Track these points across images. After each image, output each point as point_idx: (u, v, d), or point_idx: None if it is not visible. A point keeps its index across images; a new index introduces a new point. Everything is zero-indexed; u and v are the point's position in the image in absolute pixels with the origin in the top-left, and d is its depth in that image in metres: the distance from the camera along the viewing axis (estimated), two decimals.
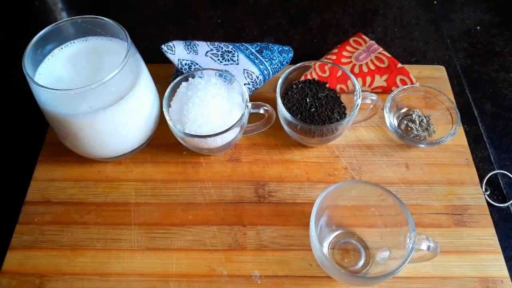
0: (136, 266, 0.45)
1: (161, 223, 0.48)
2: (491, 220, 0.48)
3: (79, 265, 0.45)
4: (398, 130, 0.54)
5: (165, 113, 0.48)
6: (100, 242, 0.47)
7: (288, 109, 0.51)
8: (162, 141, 0.53)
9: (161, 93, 0.51)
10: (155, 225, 0.48)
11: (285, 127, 0.52)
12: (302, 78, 0.56)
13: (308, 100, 0.52)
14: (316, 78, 0.55)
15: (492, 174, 0.53)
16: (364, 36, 0.62)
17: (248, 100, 0.49)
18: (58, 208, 0.49)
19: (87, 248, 0.46)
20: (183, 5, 0.74)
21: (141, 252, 0.46)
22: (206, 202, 0.50)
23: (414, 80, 0.57)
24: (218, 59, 0.55)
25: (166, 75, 0.57)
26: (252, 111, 0.50)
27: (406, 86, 0.56)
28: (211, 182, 0.51)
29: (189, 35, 0.69)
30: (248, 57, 0.56)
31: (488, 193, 0.51)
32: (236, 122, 0.47)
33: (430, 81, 0.60)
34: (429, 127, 0.54)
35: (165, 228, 0.48)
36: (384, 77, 0.58)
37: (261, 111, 0.50)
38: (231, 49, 0.56)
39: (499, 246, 0.47)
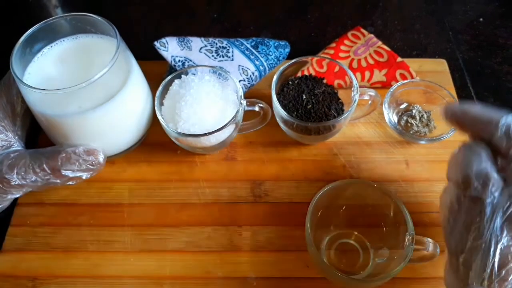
0: (129, 268, 0.44)
1: (155, 224, 0.47)
2: None
3: (72, 268, 0.45)
4: (398, 127, 0.52)
5: (157, 112, 0.47)
6: (93, 244, 0.46)
7: (284, 106, 0.50)
8: (156, 140, 0.52)
9: (154, 91, 0.49)
10: (149, 226, 0.47)
11: (281, 125, 0.51)
12: (299, 74, 0.54)
13: (304, 97, 0.51)
14: (313, 73, 0.54)
15: None
16: (362, 30, 0.60)
17: (243, 97, 0.48)
18: (51, 209, 0.48)
19: (80, 250, 0.46)
20: (178, 0, 0.73)
21: (134, 254, 0.45)
22: (201, 202, 0.49)
23: (414, 74, 0.56)
24: (213, 55, 0.54)
25: (159, 72, 0.55)
26: (247, 108, 0.49)
27: (405, 81, 0.54)
28: (206, 181, 0.50)
29: (184, 30, 0.67)
30: (243, 52, 0.54)
31: None
32: (230, 121, 0.46)
33: (431, 75, 0.58)
34: (430, 122, 0.53)
35: (159, 229, 0.47)
36: (384, 71, 0.56)
37: (256, 108, 0.49)
38: (226, 44, 0.55)
39: None
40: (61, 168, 0.41)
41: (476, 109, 0.37)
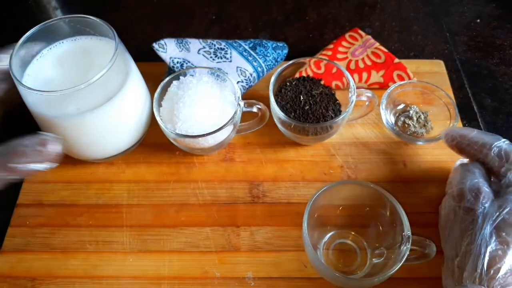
0: (128, 269, 0.45)
1: (153, 225, 0.47)
2: None
3: (70, 268, 0.45)
4: (395, 127, 0.53)
5: (156, 113, 0.47)
6: (92, 245, 0.46)
7: (282, 107, 0.50)
8: (155, 141, 0.52)
9: (152, 92, 0.50)
10: (148, 226, 0.47)
11: (279, 126, 0.51)
12: (297, 75, 0.54)
13: (302, 98, 0.51)
14: (311, 74, 0.54)
15: None
16: (360, 31, 0.61)
17: (241, 98, 0.48)
18: (50, 210, 0.49)
19: (79, 250, 0.46)
20: (177, 1, 0.73)
21: (133, 254, 0.45)
22: (199, 203, 0.49)
23: (411, 75, 0.56)
24: (211, 57, 0.54)
25: (158, 74, 0.56)
26: (244, 109, 0.49)
27: (403, 82, 0.55)
28: (205, 182, 0.50)
29: (183, 32, 0.68)
30: (241, 54, 0.55)
31: None
32: (228, 122, 0.46)
33: (429, 76, 0.59)
34: (427, 123, 0.53)
35: (158, 230, 0.47)
36: (381, 72, 0.57)
37: (254, 109, 0.49)
38: (224, 46, 0.55)
39: None
40: (7, 163, 0.38)
41: (473, 133, 0.43)
